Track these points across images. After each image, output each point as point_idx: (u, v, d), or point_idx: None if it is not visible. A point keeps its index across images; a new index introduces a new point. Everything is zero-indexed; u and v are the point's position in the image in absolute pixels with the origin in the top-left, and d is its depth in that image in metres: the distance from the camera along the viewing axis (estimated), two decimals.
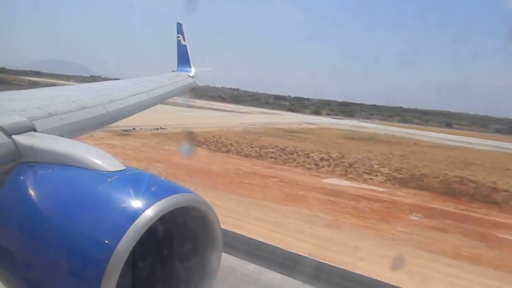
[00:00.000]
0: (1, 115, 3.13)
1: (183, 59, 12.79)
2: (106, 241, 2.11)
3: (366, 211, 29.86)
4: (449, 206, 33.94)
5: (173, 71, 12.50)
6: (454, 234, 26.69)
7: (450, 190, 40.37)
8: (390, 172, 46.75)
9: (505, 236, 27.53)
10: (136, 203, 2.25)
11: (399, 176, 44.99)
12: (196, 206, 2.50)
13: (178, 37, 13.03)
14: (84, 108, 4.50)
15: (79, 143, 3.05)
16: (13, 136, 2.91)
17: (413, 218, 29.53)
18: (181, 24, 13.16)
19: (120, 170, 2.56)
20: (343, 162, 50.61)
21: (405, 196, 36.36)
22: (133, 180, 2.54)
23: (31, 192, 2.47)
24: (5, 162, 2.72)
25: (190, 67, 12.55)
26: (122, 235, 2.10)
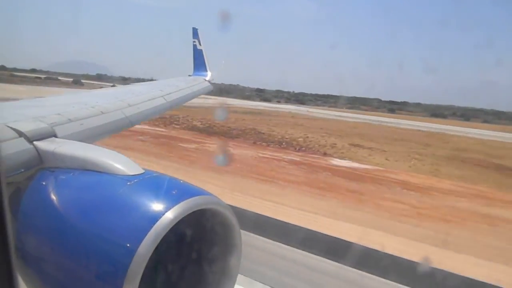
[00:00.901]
0: (22, 121, 3.18)
1: (199, 63, 12.87)
2: (128, 245, 2.11)
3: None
4: (188, 135, 51.23)
5: (189, 75, 12.59)
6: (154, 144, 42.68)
7: (215, 132, 55.86)
8: (197, 124, 61.76)
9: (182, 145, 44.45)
10: (156, 206, 2.25)
11: (201, 126, 60.47)
12: (215, 208, 2.49)
13: (194, 41, 13.11)
14: (102, 113, 4.55)
15: (99, 147, 3.07)
16: (34, 142, 2.95)
17: (143, 138, 46.39)
18: (196, 29, 13.25)
19: (140, 174, 2.56)
20: (184, 120, 65.25)
21: (177, 133, 52.49)
22: (153, 183, 2.54)
23: (53, 197, 2.50)
24: (27, 168, 2.76)
25: (206, 71, 12.62)
26: (143, 238, 2.10)
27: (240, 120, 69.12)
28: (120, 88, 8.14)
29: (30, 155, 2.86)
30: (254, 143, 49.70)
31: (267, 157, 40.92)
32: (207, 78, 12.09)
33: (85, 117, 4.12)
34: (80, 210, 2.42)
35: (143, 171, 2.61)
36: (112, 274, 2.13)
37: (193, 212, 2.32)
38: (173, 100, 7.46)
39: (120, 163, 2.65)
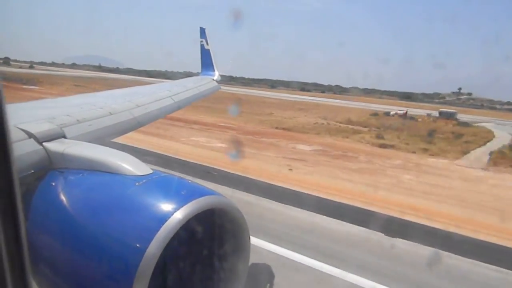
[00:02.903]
0: (32, 123, 3.21)
1: (207, 63, 12.89)
2: (137, 245, 2.11)
3: None
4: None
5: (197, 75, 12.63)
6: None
7: None
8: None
9: None
10: (164, 206, 2.25)
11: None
12: (224, 208, 2.49)
13: (202, 41, 13.13)
14: (111, 114, 4.57)
15: (107, 148, 3.09)
16: (44, 143, 2.98)
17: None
18: (204, 28, 13.27)
19: (148, 174, 2.57)
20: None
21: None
22: (161, 183, 2.55)
23: (63, 198, 2.51)
24: (37, 169, 2.78)
25: (214, 70, 12.64)
26: (152, 238, 2.10)
27: None
28: (129, 89, 8.19)
29: (40, 156, 2.88)
30: None
31: None
32: (215, 78, 12.12)
33: (93, 118, 4.14)
34: (89, 210, 2.43)
35: (151, 171, 2.62)
36: (121, 274, 2.14)
37: (202, 212, 2.32)
38: (181, 100, 7.48)
39: (129, 163, 2.66)
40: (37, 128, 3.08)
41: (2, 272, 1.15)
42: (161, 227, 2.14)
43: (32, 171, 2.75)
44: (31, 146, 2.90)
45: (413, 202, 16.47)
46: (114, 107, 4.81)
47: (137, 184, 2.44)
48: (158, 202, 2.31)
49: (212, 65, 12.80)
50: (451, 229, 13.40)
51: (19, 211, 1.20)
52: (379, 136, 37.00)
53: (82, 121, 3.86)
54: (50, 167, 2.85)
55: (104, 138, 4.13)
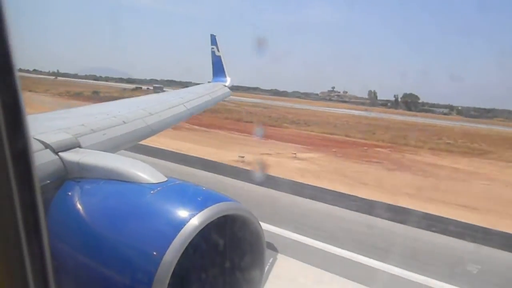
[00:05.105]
0: (48, 133, 3.24)
1: (218, 69, 12.98)
2: (154, 253, 2.11)
3: None
4: None
5: (209, 82, 12.72)
6: None
7: None
8: None
9: None
10: (180, 213, 2.25)
11: None
12: (240, 214, 2.47)
13: (212, 48, 13.24)
14: (124, 122, 4.61)
15: (122, 157, 3.10)
16: (59, 153, 3.00)
17: None
18: (214, 35, 13.37)
19: (163, 182, 2.57)
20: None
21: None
22: (176, 190, 2.54)
23: (79, 207, 2.53)
24: (53, 179, 2.81)
25: (225, 77, 12.72)
26: (168, 246, 2.09)
27: None
28: (143, 97, 8.27)
29: (56, 166, 2.91)
30: None
31: None
32: (226, 84, 12.18)
33: (107, 127, 4.18)
34: (106, 219, 2.44)
35: (166, 179, 2.62)
36: (138, 282, 2.13)
37: (218, 218, 2.30)
38: (194, 107, 7.52)
39: (144, 171, 2.66)
40: (52, 139, 3.12)
41: (27, 285, 1.15)
42: (177, 234, 2.13)
43: (49, 181, 2.77)
44: (47, 156, 2.93)
45: None
46: (127, 116, 4.85)
47: (152, 192, 2.44)
48: (174, 209, 2.31)
49: (224, 72, 12.88)
50: None
51: (42, 225, 1.20)
52: None
53: (96, 131, 3.89)
54: (66, 176, 2.87)
55: (118, 146, 4.16)
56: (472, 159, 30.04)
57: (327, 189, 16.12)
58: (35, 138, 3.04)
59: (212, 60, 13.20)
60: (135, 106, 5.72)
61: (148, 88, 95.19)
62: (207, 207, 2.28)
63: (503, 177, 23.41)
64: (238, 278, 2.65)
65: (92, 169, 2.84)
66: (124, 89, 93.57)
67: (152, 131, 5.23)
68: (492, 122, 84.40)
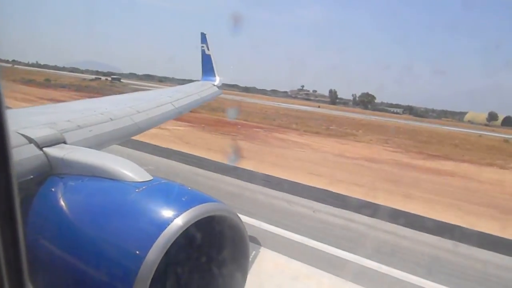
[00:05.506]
0: (33, 128, 3.21)
1: (208, 68, 12.95)
2: (137, 252, 2.10)
3: None
4: None
5: (196, 81, 12.68)
6: None
7: None
8: None
9: None
10: (164, 213, 2.25)
11: None
12: (224, 215, 2.48)
13: (202, 46, 13.19)
14: (111, 119, 4.58)
15: (107, 154, 3.09)
16: (44, 148, 2.97)
17: None
18: (205, 34, 13.33)
19: (148, 181, 2.57)
20: None
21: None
22: (161, 190, 2.54)
23: (62, 204, 2.51)
24: (36, 174, 2.78)
25: (215, 76, 12.69)
26: (152, 245, 2.09)
27: None
28: (131, 95, 8.21)
29: (40, 161, 2.88)
30: None
31: None
32: (216, 83, 12.16)
33: (94, 124, 4.15)
34: (89, 216, 2.42)
35: (151, 178, 2.62)
36: (120, 281, 2.12)
37: (202, 219, 2.31)
38: (182, 106, 7.50)
39: (129, 169, 2.66)
40: (37, 133, 3.08)
41: (0, 278, 1.14)
42: (160, 233, 2.13)
43: (32, 176, 2.75)
44: (31, 151, 2.90)
45: None
46: (115, 113, 4.81)
47: (137, 190, 2.43)
48: (158, 208, 2.31)
49: (213, 70, 12.85)
50: None
51: (17, 216, 1.19)
52: None
53: (82, 127, 3.86)
54: (50, 172, 2.85)
55: (104, 143, 4.13)
56: (329, 139, 35.02)
57: (157, 146, 20.16)
58: (19, 133, 3.00)
59: (202, 59, 13.16)
60: (123, 103, 5.69)
61: (106, 79, 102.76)
62: (192, 207, 2.28)
63: (325, 148, 28.78)
64: (221, 278, 2.66)
65: (76, 166, 2.82)
66: (84, 79, 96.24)
67: (139, 129, 5.21)
68: (429, 121, 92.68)
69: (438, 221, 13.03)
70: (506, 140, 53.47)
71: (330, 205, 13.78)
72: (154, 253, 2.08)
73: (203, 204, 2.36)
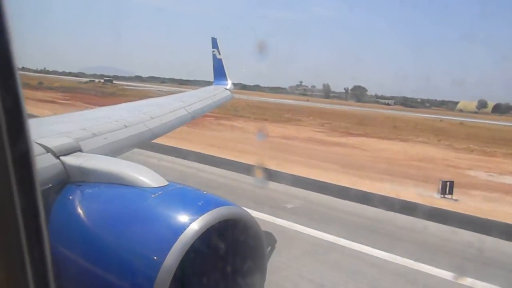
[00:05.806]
0: (50, 137, 3.25)
1: (219, 72, 12.98)
2: (154, 257, 2.10)
3: None
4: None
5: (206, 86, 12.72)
6: None
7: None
8: None
9: None
10: (180, 218, 2.25)
11: None
12: (240, 218, 2.47)
13: (214, 51, 13.24)
14: (126, 126, 4.61)
15: (123, 161, 3.10)
16: (61, 157, 3.00)
17: None
18: (215, 38, 13.39)
19: (164, 186, 2.57)
20: None
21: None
22: (177, 195, 2.54)
23: (80, 212, 2.53)
24: (54, 183, 2.81)
25: (227, 80, 12.71)
26: (169, 250, 2.09)
27: None
28: (144, 101, 8.28)
29: (57, 170, 2.91)
30: None
31: None
32: (228, 87, 12.17)
33: (109, 131, 4.18)
34: (107, 223, 2.44)
35: (167, 183, 2.62)
36: (139, 286, 2.13)
37: (218, 222, 2.30)
38: (195, 111, 7.53)
39: (145, 175, 2.66)
40: (54, 143, 3.12)
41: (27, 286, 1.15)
42: (177, 238, 2.13)
43: (50, 185, 2.78)
44: (48, 160, 2.94)
45: None
46: (129, 120, 4.85)
47: (153, 196, 2.44)
48: (174, 213, 2.31)
49: (225, 74, 12.87)
50: None
51: (43, 228, 1.20)
52: None
53: (98, 135, 3.89)
54: (67, 180, 2.87)
55: (119, 150, 4.16)
56: (272, 124, 38.56)
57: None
58: (36, 142, 3.04)
59: (213, 63, 13.20)
60: (136, 110, 5.73)
61: (99, 81, 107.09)
62: (208, 211, 2.28)
63: (253, 130, 32.19)
64: (239, 282, 2.64)
65: (93, 173, 2.84)
66: (79, 82, 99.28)
67: (154, 135, 5.24)
68: (413, 110, 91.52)
69: (284, 172, 15.94)
70: (461, 123, 54.96)
71: (200, 163, 17.27)
72: (172, 258, 2.08)
73: (219, 208, 2.35)
